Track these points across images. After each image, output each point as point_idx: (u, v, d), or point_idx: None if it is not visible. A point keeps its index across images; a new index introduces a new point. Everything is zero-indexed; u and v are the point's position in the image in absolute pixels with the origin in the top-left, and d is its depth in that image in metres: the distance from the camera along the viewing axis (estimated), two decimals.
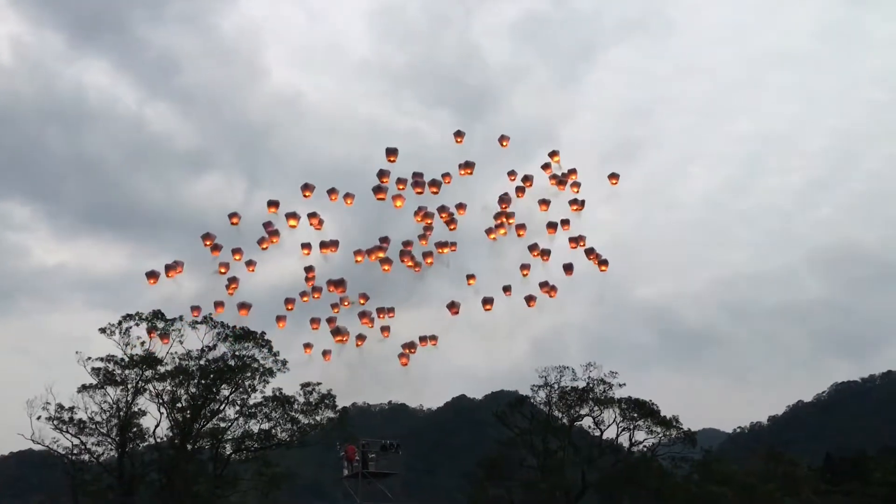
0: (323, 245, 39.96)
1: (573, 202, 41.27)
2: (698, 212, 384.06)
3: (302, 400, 52.93)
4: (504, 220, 40.90)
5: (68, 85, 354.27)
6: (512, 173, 41.55)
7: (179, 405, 50.89)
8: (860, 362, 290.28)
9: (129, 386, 50.25)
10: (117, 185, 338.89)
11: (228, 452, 52.65)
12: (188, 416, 50.61)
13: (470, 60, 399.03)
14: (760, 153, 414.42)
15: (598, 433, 60.87)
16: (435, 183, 40.18)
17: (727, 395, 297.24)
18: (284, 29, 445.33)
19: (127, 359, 50.12)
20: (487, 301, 40.15)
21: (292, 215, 39.71)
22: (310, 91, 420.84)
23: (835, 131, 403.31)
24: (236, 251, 39.56)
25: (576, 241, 40.85)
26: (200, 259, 40.18)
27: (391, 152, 40.40)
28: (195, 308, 39.55)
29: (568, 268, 40.84)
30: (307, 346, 40.37)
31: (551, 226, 40.70)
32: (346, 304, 40.00)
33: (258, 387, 52.25)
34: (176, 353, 51.07)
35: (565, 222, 40.83)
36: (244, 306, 39.00)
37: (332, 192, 40.14)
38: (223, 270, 39.35)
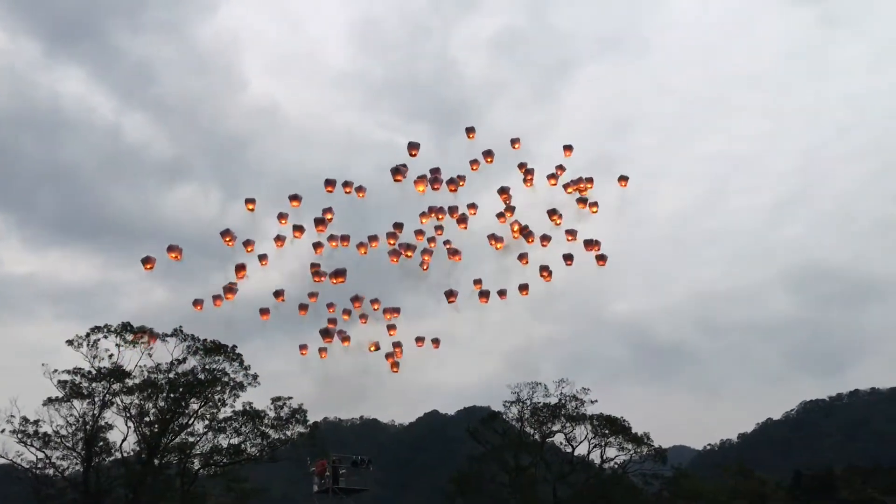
0: (332, 238, 39.95)
1: (581, 201, 41.22)
2: (669, 228, 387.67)
3: (272, 414, 52.59)
4: (512, 228, 40.88)
5: (44, 93, 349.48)
6: (522, 165, 41.62)
7: (147, 419, 50.28)
8: (828, 381, 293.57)
9: (96, 399, 49.60)
10: (91, 195, 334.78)
11: (196, 468, 52.03)
12: (156, 430, 49.99)
13: (447, 74, 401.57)
14: (729, 172, 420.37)
15: (569, 449, 61.21)
16: (452, 181, 40.39)
17: (698, 411, 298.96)
18: (262, 39, 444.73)
19: (94, 371, 49.48)
20: (483, 294, 40.39)
21: (321, 222, 39.50)
22: (287, 102, 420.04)
23: (803, 151, 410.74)
24: (248, 243, 39.23)
25: (571, 233, 41.02)
26: (184, 268, 39.65)
27: (413, 146, 40.66)
28: (197, 302, 38.93)
29: (568, 257, 40.97)
30: (303, 347, 40.14)
31: (554, 213, 40.75)
32: (346, 317, 39.93)
33: (228, 401, 51.85)
34: (145, 365, 50.57)
35: (555, 212, 40.79)
36: (230, 290, 38.40)
37: (346, 184, 40.15)
38: (242, 274, 38.73)
